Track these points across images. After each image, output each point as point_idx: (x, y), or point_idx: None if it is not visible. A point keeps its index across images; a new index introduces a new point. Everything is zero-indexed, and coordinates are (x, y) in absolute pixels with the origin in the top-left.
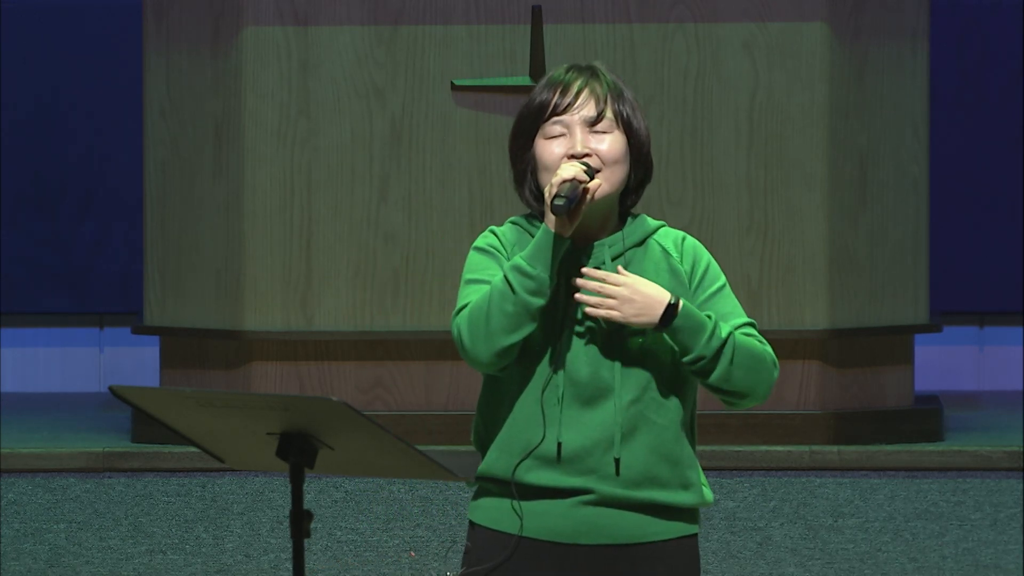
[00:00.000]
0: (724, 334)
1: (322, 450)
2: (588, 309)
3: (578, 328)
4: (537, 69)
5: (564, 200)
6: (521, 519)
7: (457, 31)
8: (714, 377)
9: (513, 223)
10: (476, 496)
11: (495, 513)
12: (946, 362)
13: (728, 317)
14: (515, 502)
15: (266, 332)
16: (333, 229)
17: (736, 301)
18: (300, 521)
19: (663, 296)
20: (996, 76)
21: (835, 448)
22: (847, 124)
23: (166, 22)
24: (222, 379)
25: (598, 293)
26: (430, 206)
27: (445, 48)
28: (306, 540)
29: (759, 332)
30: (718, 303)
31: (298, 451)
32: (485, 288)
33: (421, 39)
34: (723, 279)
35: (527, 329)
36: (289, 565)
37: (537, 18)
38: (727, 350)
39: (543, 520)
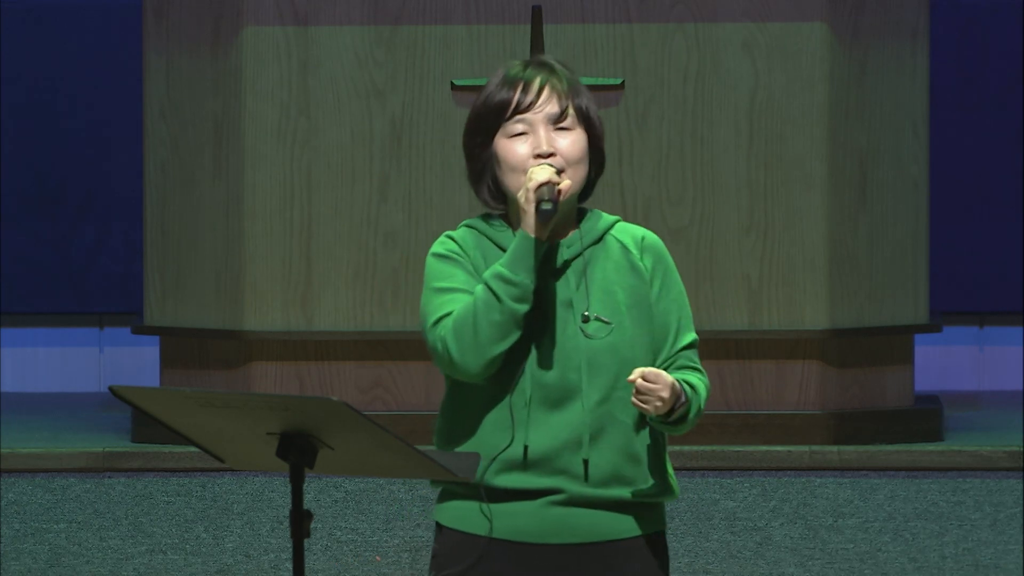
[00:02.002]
0: (702, 407)
1: (322, 450)
2: (634, 401)
3: (544, 330)
4: None
5: (551, 204)
6: (491, 522)
7: (457, 31)
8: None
9: (469, 226)
10: (441, 498)
11: (462, 514)
12: (946, 362)
13: (682, 330)
14: (484, 505)
15: (266, 332)
16: (333, 229)
17: (689, 309)
18: (300, 521)
19: (678, 388)
20: (996, 76)
21: (835, 448)
22: (847, 124)
23: (166, 22)
24: (222, 379)
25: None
26: (430, 206)
27: (445, 48)
28: (306, 540)
29: (696, 353)
30: (675, 310)
31: (298, 451)
32: (457, 296)
33: (421, 39)
34: (680, 284)
35: (514, 336)
36: (289, 565)
37: (537, 18)
38: (700, 414)
39: (512, 520)
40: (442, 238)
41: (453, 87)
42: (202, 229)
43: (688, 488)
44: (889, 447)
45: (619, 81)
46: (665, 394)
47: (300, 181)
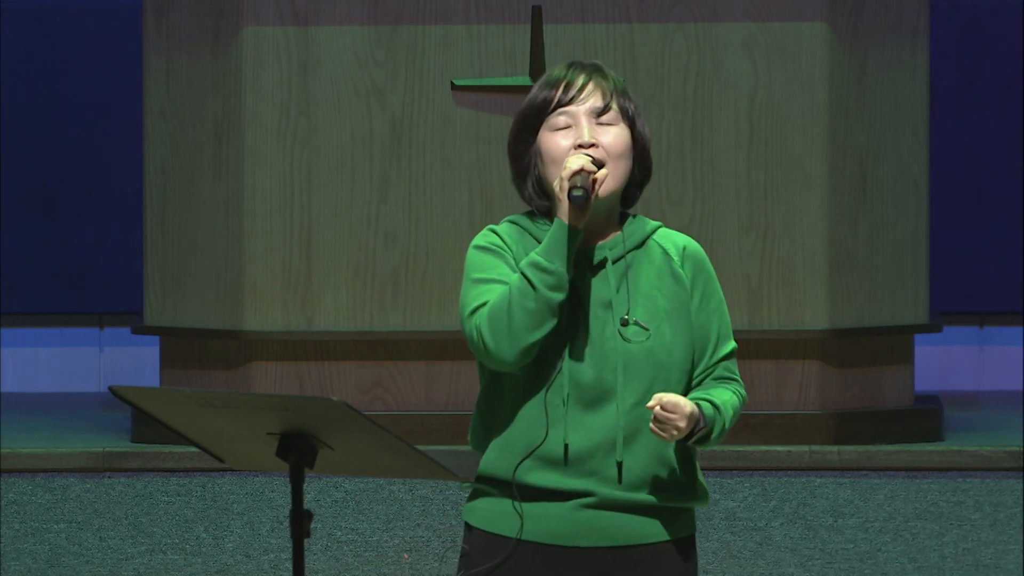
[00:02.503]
0: (727, 425)
1: (322, 450)
2: (652, 428)
3: (581, 330)
4: (537, 69)
5: (582, 191)
6: (522, 520)
7: (457, 31)
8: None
9: (512, 222)
10: (471, 497)
11: (492, 515)
12: (946, 362)
13: (721, 340)
14: (516, 503)
15: (266, 332)
16: (333, 229)
17: (728, 318)
18: (300, 521)
19: (696, 414)
20: (996, 76)
21: (835, 448)
22: (847, 124)
23: (166, 22)
24: (222, 379)
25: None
26: (430, 206)
27: (445, 48)
28: (306, 540)
29: (736, 363)
30: (715, 320)
31: (298, 451)
32: (496, 287)
33: (421, 39)
34: (720, 293)
35: (550, 325)
36: (289, 565)
37: (537, 18)
38: (724, 431)
39: (542, 522)
40: (485, 231)
41: (453, 87)
42: (202, 229)
43: None
44: (889, 447)
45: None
46: (682, 424)
47: (300, 181)
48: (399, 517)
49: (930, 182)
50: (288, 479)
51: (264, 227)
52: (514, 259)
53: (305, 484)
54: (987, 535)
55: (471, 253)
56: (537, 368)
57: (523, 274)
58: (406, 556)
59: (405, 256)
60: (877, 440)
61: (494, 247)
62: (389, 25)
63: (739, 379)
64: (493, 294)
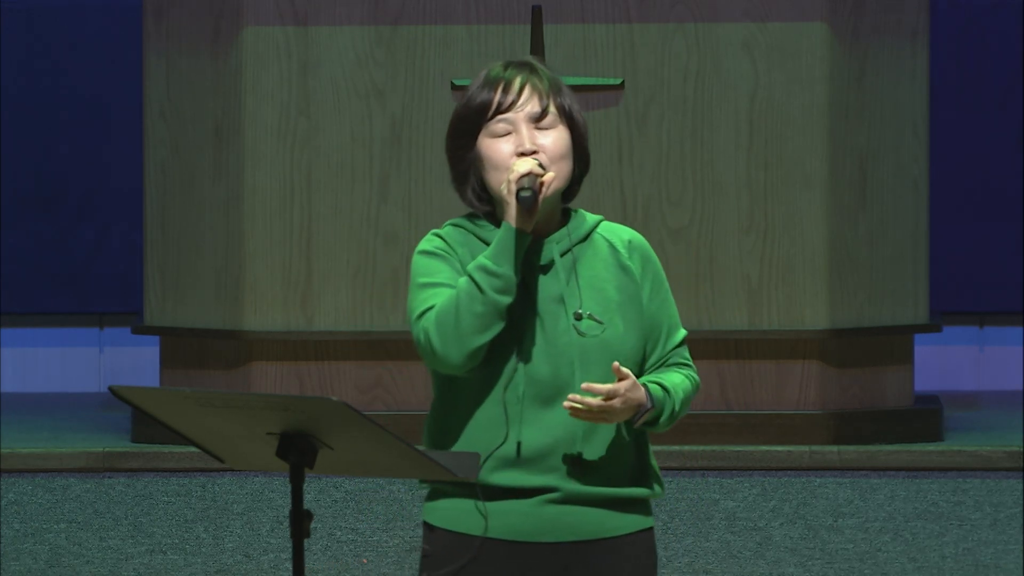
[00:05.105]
0: (678, 408)
1: (322, 450)
2: (572, 414)
3: (535, 326)
4: None
5: (530, 192)
6: (486, 521)
7: (457, 31)
8: (655, 431)
9: (455, 225)
10: (431, 497)
11: (454, 514)
12: (946, 362)
13: (672, 330)
14: (479, 503)
15: (266, 332)
16: (333, 229)
17: (675, 307)
18: (300, 521)
19: (642, 399)
20: (996, 76)
21: (835, 448)
22: (847, 124)
23: (166, 22)
24: (222, 379)
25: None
26: (430, 206)
27: (445, 48)
28: (306, 540)
29: (688, 349)
30: (665, 311)
31: (298, 451)
32: (442, 291)
33: (421, 39)
34: (667, 283)
35: (497, 328)
36: (289, 565)
37: (537, 18)
38: (675, 415)
39: (505, 519)
40: (429, 236)
41: (453, 87)
42: (202, 229)
43: (688, 488)
44: (889, 447)
45: (619, 81)
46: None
47: (300, 181)
48: (399, 517)
49: (930, 182)
50: (288, 479)
51: (264, 227)
52: (459, 262)
53: (305, 484)
54: (987, 535)
55: (416, 258)
56: (493, 367)
57: (471, 277)
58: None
59: (405, 256)
60: (877, 440)
61: (439, 251)
62: (389, 25)
63: (692, 364)
64: (440, 298)
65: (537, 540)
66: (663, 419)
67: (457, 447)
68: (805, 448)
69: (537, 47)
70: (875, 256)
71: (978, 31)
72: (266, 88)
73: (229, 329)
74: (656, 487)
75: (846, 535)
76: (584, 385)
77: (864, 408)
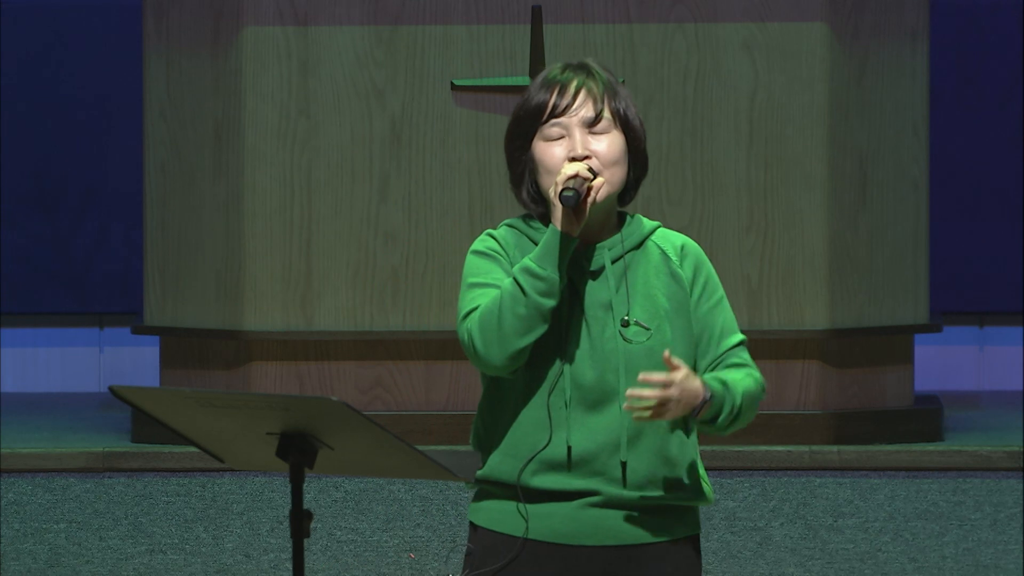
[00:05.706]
0: (739, 403)
1: (322, 450)
2: (636, 416)
3: (582, 332)
4: (537, 69)
5: (573, 192)
6: (527, 522)
7: (457, 31)
8: (719, 431)
9: (510, 226)
10: (477, 498)
11: (498, 515)
12: (946, 362)
13: (726, 333)
14: (521, 505)
15: (266, 332)
16: (333, 229)
17: (731, 313)
18: (300, 521)
19: (699, 390)
20: (996, 76)
21: (835, 448)
22: (847, 124)
23: (166, 22)
24: (222, 379)
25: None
26: (430, 206)
27: (445, 48)
28: (306, 540)
29: (748, 352)
30: (718, 315)
31: (298, 451)
32: (491, 292)
33: (421, 39)
34: (722, 290)
35: (540, 330)
36: (289, 565)
37: (537, 18)
38: (738, 412)
39: (547, 521)
40: (483, 236)
41: (453, 87)
42: (202, 229)
43: None
44: (889, 447)
45: (619, 81)
46: (671, 394)
47: (300, 181)
48: (399, 517)
49: (930, 182)
50: (288, 479)
51: (264, 227)
52: (510, 263)
53: (305, 484)
54: (987, 535)
55: (469, 258)
56: (538, 371)
57: (515, 279)
58: (412, 555)
59: (405, 256)
60: (877, 440)
61: (491, 252)
62: (389, 25)
63: (752, 364)
64: (487, 298)
65: (578, 543)
66: (723, 416)
67: (501, 447)
68: (805, 448)
69: (537, 47)
70: (875, 256)
71: (978, 31)
72: (266, 88)
73: (229, 329)
74: (703, 496)
75: (846, 535)
76: (641, 376)
77: (864, 408)
